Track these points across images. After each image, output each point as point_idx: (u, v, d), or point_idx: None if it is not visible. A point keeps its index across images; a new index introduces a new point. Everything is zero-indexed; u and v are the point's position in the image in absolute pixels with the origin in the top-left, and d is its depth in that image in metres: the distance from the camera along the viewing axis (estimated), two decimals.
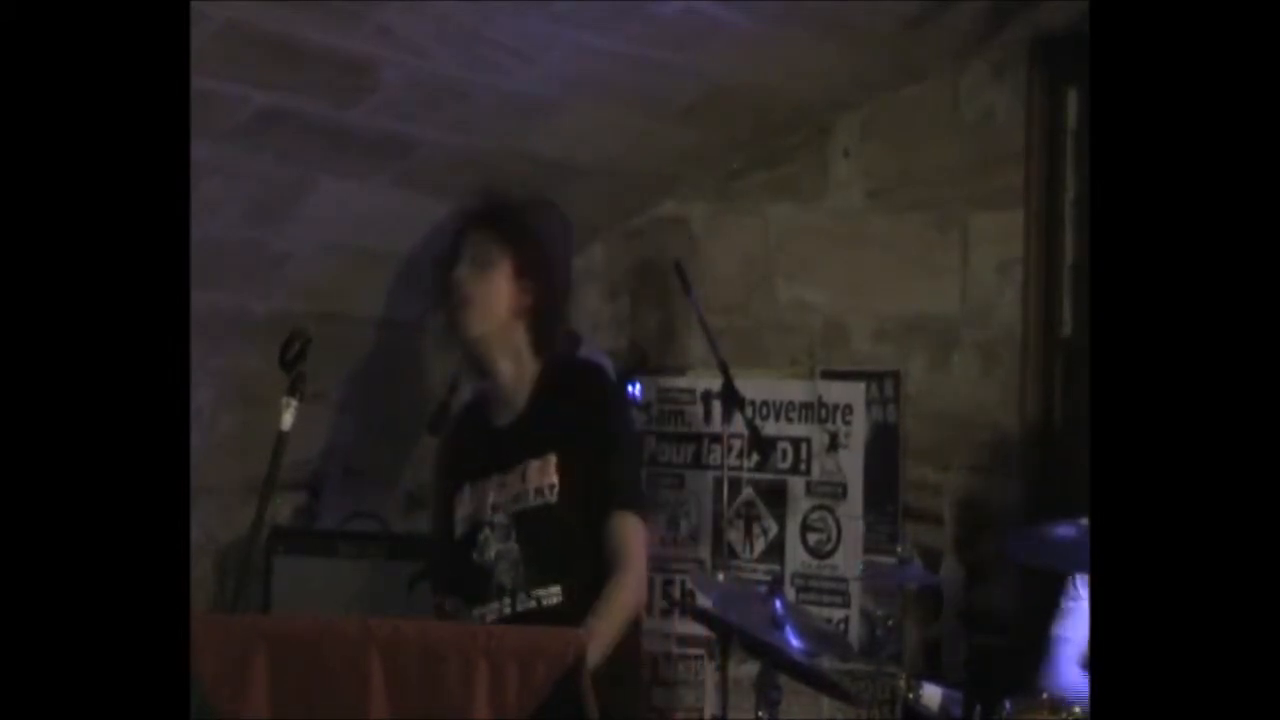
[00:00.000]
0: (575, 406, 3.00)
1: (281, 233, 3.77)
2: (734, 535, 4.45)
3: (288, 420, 2.71)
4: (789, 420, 4.43)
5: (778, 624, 3.57)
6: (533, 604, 2.91)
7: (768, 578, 4.33)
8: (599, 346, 4.24)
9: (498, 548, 2.94)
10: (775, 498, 4.45)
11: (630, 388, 4.00)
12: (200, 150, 3.34)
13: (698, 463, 4.53)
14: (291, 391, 2.74)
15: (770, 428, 4.39)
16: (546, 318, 3.06)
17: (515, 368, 3.03)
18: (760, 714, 3.52)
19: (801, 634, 3.62)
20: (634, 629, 2.96)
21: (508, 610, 2.91)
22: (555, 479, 2.94)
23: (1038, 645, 3.58)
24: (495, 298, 3.00)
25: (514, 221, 3.08)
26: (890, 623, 4.12)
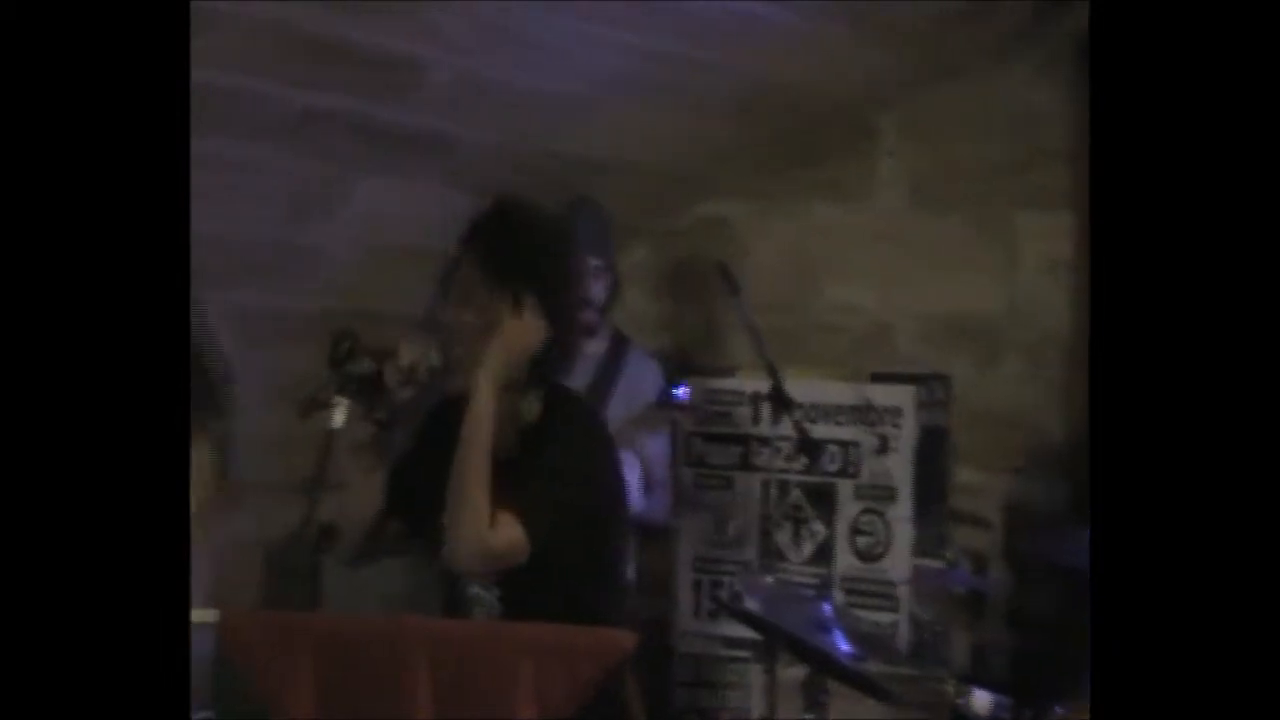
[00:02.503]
0: (565, 460, 2.71)
1: (323, 232, 3.80)
2: (781, 538, 4.44)
3: (338, 419, 2.72)
4: (837, 423, 4.42)
5: (825, 627, 3.56)
6: None
7: (815, 581, 4.31)
8: (645, 347, 4.23)
9: (478, 591, 2.80)
10: (823, 500, 4.43)
11: (677, 390, 3.99)
12: (241, 150, 3.36)
13: (745, 465, 4.52)
14: (340, 391, 2.75)
15: (818, 430, 4.37)
16: (553, 356, 2.76)
17: (503, 403, 2.72)
18: (807, 717, 3.51)
19: (849, 637, 3.60)
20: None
21: None
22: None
23: (1082, 649, 3.55)
24: (495, 346, 2.69)
25: (522, 244, 2.74)
26: (939, 627, 4.09)
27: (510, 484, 2.68)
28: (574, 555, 2.73)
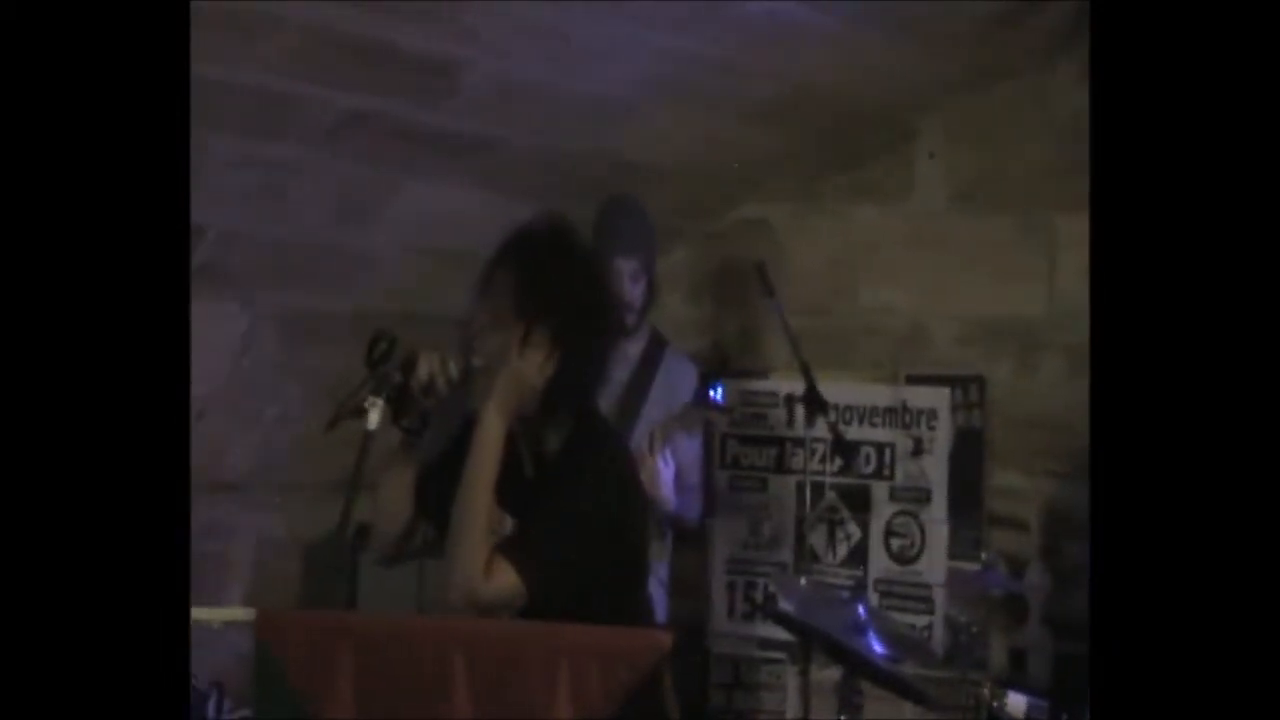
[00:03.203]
0: (575, 503, 2.61)
1: (365, 233, 3.81)
2: (816, 540, 4.43)
3: (374, 420, 2.72)
4: (872, 425, 4.41)
5: (860, 629, 3.55)
6: None
7: (850, 583, 4.31)
8: (682, 348, 4.23)
9: None
10: (858, 502, 4.43)
11: (712, 391, 3.98)
12: (285, 152, 3.38)
13: (780, 467, 4.51)
14: (377, 392, 2.75)
15: (853, 432, 4.36)
16: (573, 388, 2.65)
17: (520, 431, 2.67)
18: (842, 718, 3.50)
19: (884, 639, 3.60)
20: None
21: None
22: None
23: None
24: (503, 378, 2.60)
25: (552, 273, 2.63)
26: (975, 630, 4.07)
27: (522, 513, 2.64)
28: (584, 593, 2.62)
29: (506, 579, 2.57)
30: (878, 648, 3.56)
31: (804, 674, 3.71)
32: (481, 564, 2.56)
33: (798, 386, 4.13)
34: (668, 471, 3.74)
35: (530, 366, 2.62)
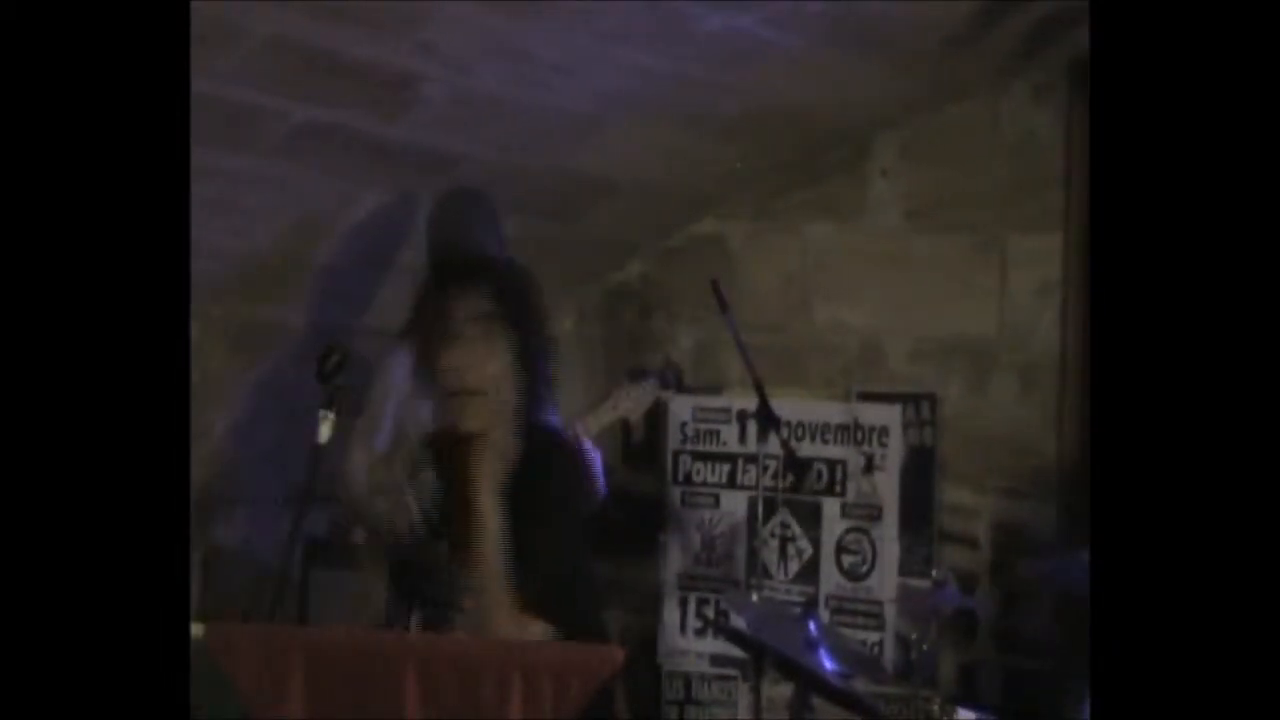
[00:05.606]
0: (554, 488, 2.75)
1: (323, 246, 3.79)
2: (768, 556, 4.44)
3: (325, 433, 2.72)
4: (824, 442, 4.42)
5: (811, 645, 3.56)
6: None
7: (802, 599, 4.31)
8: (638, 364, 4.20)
9: None
10: (810, 519, 4.44)
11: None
12: (243, 164, 3.36)
13: (732, 483, 4.52)
14: (328, 405, 2.75)
15: (806, 449, 4.37)
16: (533, 387, 2.75)
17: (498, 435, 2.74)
18: None
19: (835, 655, 3.60)
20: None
21: None
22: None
23: (1074, 671, 3.56)
24: (498, 380, 2.68)
25: (500, 280, 2.74)
26: (925, 646, 4.09)
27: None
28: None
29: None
30: (829, 664, 3.56)
31: (756, 690, 3.70)
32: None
33: (750, 403, 4.14)
34: (595, 457, 3.70)
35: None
